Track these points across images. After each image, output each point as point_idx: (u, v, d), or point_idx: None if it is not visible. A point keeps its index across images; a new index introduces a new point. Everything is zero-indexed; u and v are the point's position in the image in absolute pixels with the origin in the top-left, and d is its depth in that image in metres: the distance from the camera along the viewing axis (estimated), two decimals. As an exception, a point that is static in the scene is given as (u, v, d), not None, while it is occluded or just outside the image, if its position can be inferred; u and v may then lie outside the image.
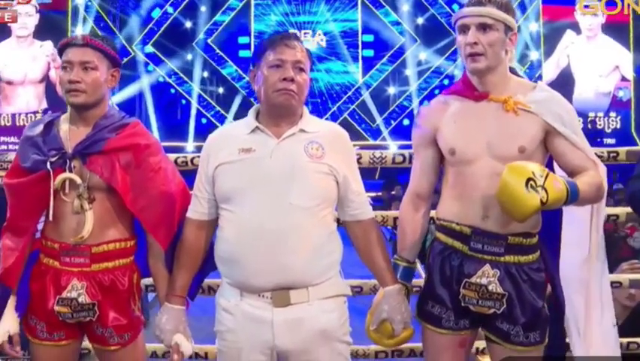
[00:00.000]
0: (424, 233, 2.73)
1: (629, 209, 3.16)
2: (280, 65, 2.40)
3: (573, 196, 2.29)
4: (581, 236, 2.68)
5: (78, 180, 2.50)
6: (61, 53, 2.57)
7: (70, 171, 2.51)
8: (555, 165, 2.62)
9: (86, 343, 2.74)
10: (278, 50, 2.42)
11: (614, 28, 14.84)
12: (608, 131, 15.27)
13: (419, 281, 2.87)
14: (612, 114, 15.37)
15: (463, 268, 2.50)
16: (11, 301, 2.55)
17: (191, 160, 3.26)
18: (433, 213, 2.79)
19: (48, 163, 2.50)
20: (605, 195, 2.54)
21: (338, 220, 2.63)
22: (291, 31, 15.30)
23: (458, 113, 2.55)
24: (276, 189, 2.36)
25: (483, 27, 2.45)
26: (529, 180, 2.22)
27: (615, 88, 15.24)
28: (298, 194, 2.37)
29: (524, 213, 2.24)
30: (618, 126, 15.35)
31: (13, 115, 13.58)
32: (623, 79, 15.20)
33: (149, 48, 15.40)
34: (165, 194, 2.59)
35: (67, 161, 2.51)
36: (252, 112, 2.53)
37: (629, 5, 13.25)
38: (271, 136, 2.44)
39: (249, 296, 2.40)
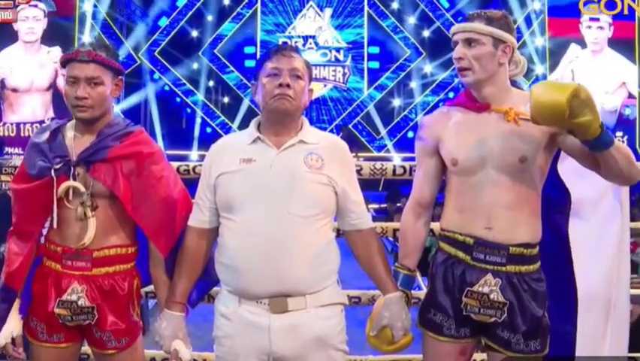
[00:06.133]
0: (425, 241, 2.76)
1: (632, 224, 3.19)
2: (277, 74, 2.45)
3: (608, 136, 2.25)
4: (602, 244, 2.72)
5: (82, 189, 2.52)
6: (63, 64, 2.58)
7: (75, 178, 2.53)
8: (560, 171, 2.66)
9: (86, 348, 2.76)
10: (274, 59, 2.48)
11: (621, 43, 14.78)
12: (614, 150, 15.12)
13: (417, 293, 2.89)
14: (618, 133, 15.16)
15: (466, 276, 2.53)
16: (16, 304, 2.57)
17: (194, 169, 3.28)
18: (435, 225, 2.81)
19: (52, 170, 2.52)
20: (634, 172, 2.40)
21: (338, 231, 2.65)
22: (293, 41, 15.43)
23: (460, 124, 2.59)
24: (276, 199, 2.39)
25: (469, 42, 2.51)
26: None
27: (622, 105, 15.13)
28: (297, 204, 2.39)
29: (563, 93, 2.17)
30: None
31: (18, 124, 13.41)
32: (630, 96, 15.09)
33: (156, 56, 15.43)
34: (166, 202, 2.61)
35: (72, 168, 2.54)
36: (253, 123, 2.57)
37: (629, 5, 13.25)
38: (271, 146, 2.47)
39: (247, 303, 2.42)
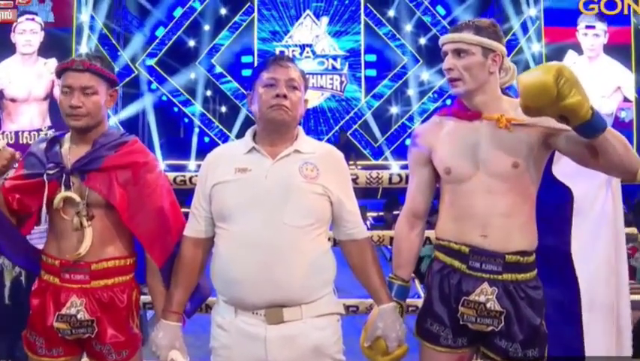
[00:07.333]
0: (419, 251, 2.75)
1: (629, 229, 3.20)
2: (274, 84, 2.46)
3: (600, 118, 2.23)
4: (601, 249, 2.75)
5: (77, 199, 2.53)
6: (59, 74, 2.60)
7: (68, 187, 2.54)
8: (555, 171, 2.67)
9: (85, 360, 2.76)
10: (271, 69, 2.49)
11: (616, 49, 14.82)
12: (611, 152, 15.16)
13: (415, 301, 2.88)
14: (615, 135, 15.21)
15: (462, 286, 2.52)
16: None
17: (190, 179, 3.29)
18: (430, 233, 2.80)
19: (45, 175, 2.53)
20: (633, 159, 2.35)
21: (334, 240, 2.65)
22: (290, 49, 15.44)
23: (453, 133, 2.59)
24: (271, 209, 2.39)
25: (458, 52, 2.51)
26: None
27: (617, 109, 15.19)
28: (292, 213, 2.40)
29: (548, 72, 2.16)
30: (620, 148, 15.24)
31: (17, 133, 13.54)
32: (625, 100, 15.15)
33: (153, 66, 15.43)
34: (161, 211, 2.62)
35: (65, 176, 2.55)
36: (249, 132, 2.58)
37: (629, 6, 13.26)
38: (267, 156, 2.48)
39: (243, 313, 2.42)
